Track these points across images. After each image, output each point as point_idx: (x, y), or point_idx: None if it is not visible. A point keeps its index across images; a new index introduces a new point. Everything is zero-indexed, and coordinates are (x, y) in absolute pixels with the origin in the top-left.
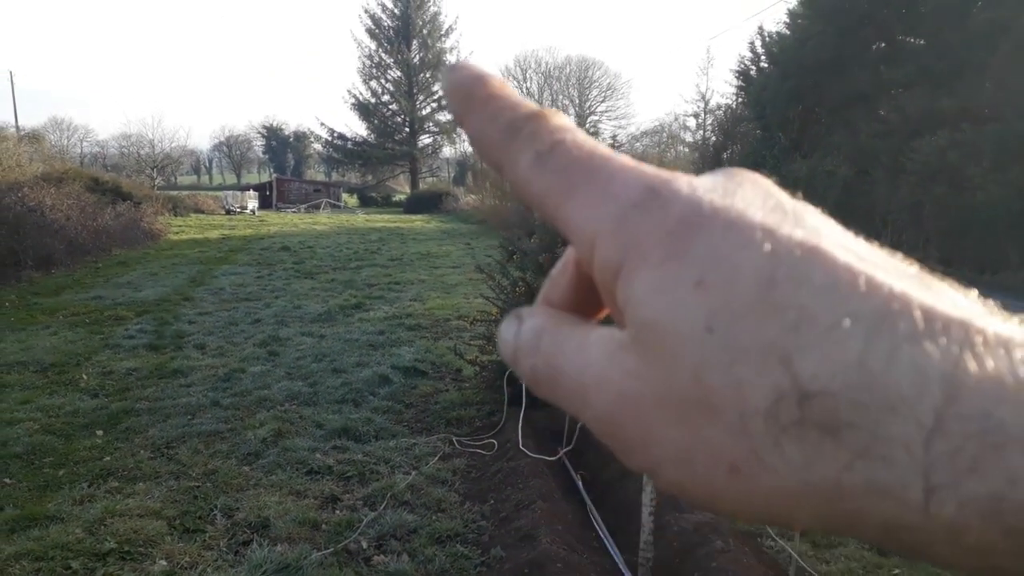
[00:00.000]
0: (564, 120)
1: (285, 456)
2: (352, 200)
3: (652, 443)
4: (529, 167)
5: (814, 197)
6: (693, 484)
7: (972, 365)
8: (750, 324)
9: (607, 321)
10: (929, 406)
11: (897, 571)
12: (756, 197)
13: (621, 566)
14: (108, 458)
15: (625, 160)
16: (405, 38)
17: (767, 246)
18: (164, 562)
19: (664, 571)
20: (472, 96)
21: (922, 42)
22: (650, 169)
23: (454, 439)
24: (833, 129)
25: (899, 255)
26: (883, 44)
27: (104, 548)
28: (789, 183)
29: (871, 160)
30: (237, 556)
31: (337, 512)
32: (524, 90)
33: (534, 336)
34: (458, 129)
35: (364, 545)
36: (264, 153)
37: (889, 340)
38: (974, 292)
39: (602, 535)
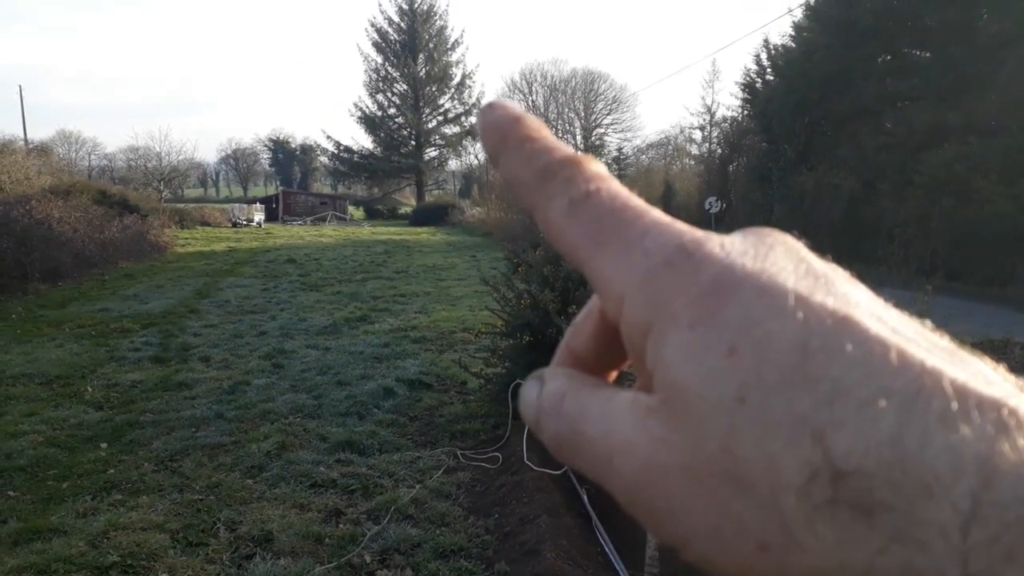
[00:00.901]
0: (600, 168)
1: (289, 469)
2: (358, 213)
3: (679, 514)
4: (562, 213)
5: (820, 210)
6: (722, 559)
7: (1007, 448)
8: (783, 396)
9: (626, 376)
10: (965, 490)
11: None
12: (788, 261)
13: None
14: (112, 471)
15: (658, 215)
16: (411, 52)
17: (800, 314)
18: None
19: None
20: (508, 136)
21: (928, 55)
22: (683, 227)
23: (458, 452)
24: (839, 142)
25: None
26: (889, 57)
27: (107, 561)
28: (795, 196)
29: (877, 173)
30: (240, 570)
31: (340, 526)
32: (530, 103)
33: (557, 399)
34: (463, 142)
35: (367, 559)
36: (271, 166)
37: (923, 418)
38: (1003, 367)
39: (607, 550)
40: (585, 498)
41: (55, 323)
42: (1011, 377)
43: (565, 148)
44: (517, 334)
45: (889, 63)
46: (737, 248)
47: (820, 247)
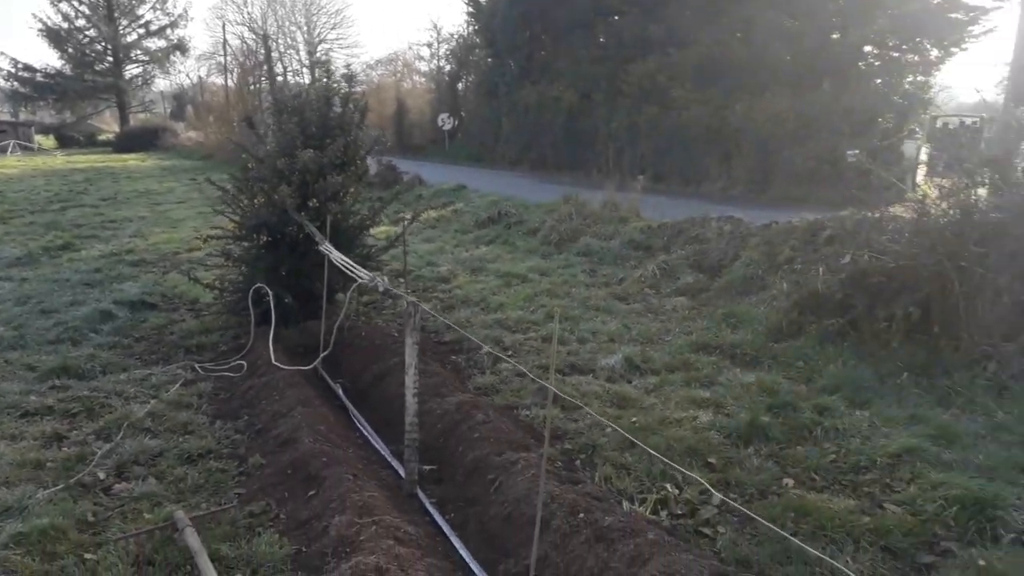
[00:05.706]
0: None
1: None
2: (48, 141)
3: None
4: None
5: (543, 122)
6: None
7: None
8: None
9: None
10: None
11: (635, 419)
12: None
13: (385, 453)
14: None
15: None
16: None
17: None
18: None
19: (430, 451)
20: None
21: None
22: None
23: (196, 366)
24: (558, 55)
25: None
26: None
27: None
28: (521, 109)
29: (592, 85)
30: None
31: (64, 449)
32: (245, 16)
33: None
34: (171, 57)
35: (101, 476)
36: None
37: None
38: None
39: (364, 431)
40: (340, 391)
41: None
42: None
43: None
44: (253, 235)
45: None
46: None
47: (544, 157)
